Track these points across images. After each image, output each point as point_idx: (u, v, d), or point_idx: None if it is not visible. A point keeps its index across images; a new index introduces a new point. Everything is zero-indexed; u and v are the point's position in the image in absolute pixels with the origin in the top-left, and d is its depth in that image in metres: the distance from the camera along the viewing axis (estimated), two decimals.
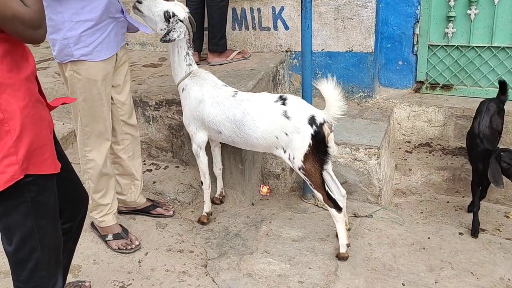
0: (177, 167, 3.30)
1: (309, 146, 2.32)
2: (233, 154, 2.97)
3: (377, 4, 3.30)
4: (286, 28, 3.61)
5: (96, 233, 2.71)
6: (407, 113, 3.43)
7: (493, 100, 2.89)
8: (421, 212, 2.97)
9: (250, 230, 2.81)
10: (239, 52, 3.66)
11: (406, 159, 3.23)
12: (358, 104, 3.54)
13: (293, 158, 2.39)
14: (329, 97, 2.29)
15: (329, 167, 2.49)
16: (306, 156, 2.35)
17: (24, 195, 1.52)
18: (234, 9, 3.71)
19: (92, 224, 2.73)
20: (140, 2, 2.46)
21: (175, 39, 2.44)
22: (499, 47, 3.22)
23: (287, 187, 3.21)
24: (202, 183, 2.81)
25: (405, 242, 2.65)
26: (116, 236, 2.63)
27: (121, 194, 2.78)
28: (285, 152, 2.41)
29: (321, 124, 2.32)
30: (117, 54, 2.43)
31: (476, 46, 3.28)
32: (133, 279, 2.43)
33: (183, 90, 2.62)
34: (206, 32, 3.64)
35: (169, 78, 3.36)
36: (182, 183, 3.14)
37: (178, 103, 3.06)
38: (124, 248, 2.61)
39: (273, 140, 2.41)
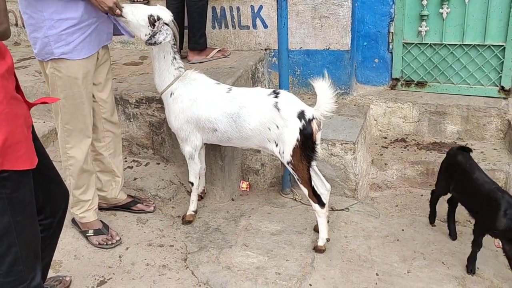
0: (158, 163, 3.34)
1: (297, 140, 2.39)
2: (213, 151, 3.02)
3: (353, 3, 3.38)
4: (265, 26, 3.67)
5: (77, 229, 2.74)
6: (383, 109, 3.52)
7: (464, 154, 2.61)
8: (396, 206, 3.06)
9: (229, 224, 2.86)
10: (219, 50, 3.71)
11: (382, 154, 3.32)
12: (336, 101, 3.60)
13: (283, 152, 2.45)
14: (322, 95, 2.37)
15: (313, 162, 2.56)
16: (294, 151, 2.41)
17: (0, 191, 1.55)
18: (214, 8, 3.76)
19: (73, 220, 2.76)
20: (123, 7, 2.42)
21: (161, 42, 2.43)
22: (470, 44, 3.32)
23: (266, 183, 3.27)
24: (192, 183, 2.82)
25: (380, 234, 2.73)
26: (97, 232, 2.66)
27: (101, 190, 2.81)
28: (276, 145, 2.47)
29: (310, 120, 2.38)
30: (98, 52, 2.45)
31: (448, 44, 3.38)
32: (114, 274, 2.47)
33: (171, 94, 2.60)
34: (186, 31, 3.69)
35: (149, 76, 3.40)
36: (163, 180, 3.18)
37: (158, 101, 3.10)
38: (105, 243, 2.64)
39: (266, 132, 2.47)
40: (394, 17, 3.46)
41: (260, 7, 3.62)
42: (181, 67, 2.60)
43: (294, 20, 3.49)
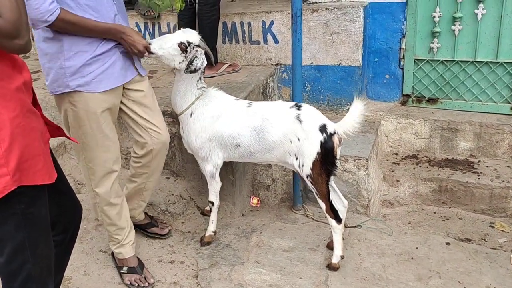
0: (168, 178, 3.31)
1: (318, 153, 2.37)
2: (224, 166, 2.97)
3: (364, 19, 3.39)
4: (276, 42, 3.67)
5: (114, 263, 2.60)
6: (394, 125, 3.50)
7: None
8: (409, 223, 3.02)
9: (241, 240, 2.83)
10: (230, 65, 3.71)
11: (393, 171, 3.29)
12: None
13: (302, 165, 2.43)
14: (352, 114, 2.35)
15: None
16: (314, 164, 2.40)
17: (14, 207, 1.51)
18: (225, 23, 3.77)
19: (112, 253, 2.60)
20: (150, 44, 2.32)
21: (200, 68, 2.41)
22: (483, 61, 3.31)
23: (277, 198, 3.24)
24: (213, 203, 2.74)
25: (393, 252, 2.69)
26: (131, 270, 2.49)
27: None
28: (296, 159, 2.45)
29: (331, 134, 2.37)
30: (132, 88, 2.30)
31: (460, 61, 3.37)
32: None
33: (191, 114, 2.54)
34: None
35: (159, 90, 3.39)
36: (173, 194, 3.15)
37: (169, 115, 3.08)
38: (137, 284, 2.45)
39: (288, 145, 2.45)
40: (405, 33, 3.46)
41: (272, 23, 3.63)
42: (204, 87, 2.56)
43: (306, 36, 3.49)
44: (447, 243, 2.75)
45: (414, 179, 3.19)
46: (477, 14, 3.22)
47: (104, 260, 2.65)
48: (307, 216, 3.05)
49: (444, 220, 3.02)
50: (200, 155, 2.61)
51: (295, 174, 2.99)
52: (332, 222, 2.49)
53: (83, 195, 3.19)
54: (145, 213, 2.84)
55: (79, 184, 3.31)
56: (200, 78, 2.52)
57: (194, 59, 2.38)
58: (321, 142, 2.36)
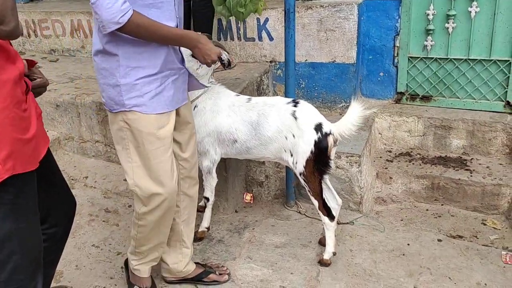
0: None
1: (311, 152, 2.36)
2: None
3: (359, 17, 3.39)
4: (271, 39, 3.68)
5: (126, 274, 2.42)
6: (388, 123, 3.51)
7: None
8: (401, 220, 3.03)
9: (233, 236, 2.83)
10: None
11: (387, 168, 3.30)
12: (340, 114, 3.60)
13: (296, 163, 2.43)
14: (350, 116, 2.35)
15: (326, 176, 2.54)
16: (307, 162, 2.39)
17: (2, 197, 1.52)
18: (219, 20, 3.77)
19: (126, 262, 2.41)
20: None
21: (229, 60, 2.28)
22: (476, 59, 3.33)
23: (270, 195, 3.25)
24: (208, 199, 2.74)
25: (385, 249, 2.70)
26: None
27: (164, 262, 2.36)
28: (291, 155, 2.45)
29: (327, 134, 2.36)
30: (179, 113, 2.11)
31: (454, 59, 3.39)
32: (116, 285, 2.43)
33: (195, 107, 2.53)
34: None
35: None
36: None
37: None
38: None
39: (283, 141, 2.45)
40: (399, 31, 3.47)
41: (266, 20, 3.63)
42: (213, 81, 2.58)
43: (300, 33, 3.50)
44: (439, 240, 2.76)
45: (407, 176, 3.20)
46: (470, 11, 3.23)
47: (96, 254, 2.66)
48: (299, 212, 3.05)
49: (436, 217, 3.03)
50: (199, 149, 2.59)
51: (288, 171, 3.00)
52: (325, 219, 2.50)
53: (76, 191, 3.20)
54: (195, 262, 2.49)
55: (72, 179, 3.32)
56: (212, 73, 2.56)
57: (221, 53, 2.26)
58: (315, 141, 2.35)
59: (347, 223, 2.93)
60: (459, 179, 3.06)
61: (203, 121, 2.54)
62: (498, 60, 3.27)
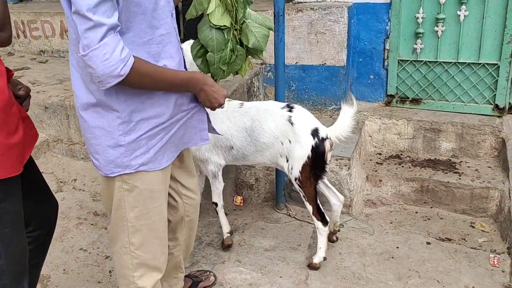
0: None
1: (308, 157, 2.35)
2: None
3: (349, 20, 3.40)
4: None
5: None
6: (378, 125, 3.52)
7: None
8: (391, 222, 3.04)
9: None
10: None
11: (376, 171, 3.31)
12: (331, 117, 3.61)
13: (291, 168, 2.42)
14: (344, 119, 2.37)
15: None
16: (303, 168, 2.37)
17: None
18: None
19: None
20: None
21: None
22: (465, 63, 3.35)
23: (260, 197, 3.24)
24: (216, 204, 2.67)
25: (374, 252, 2.70)
26: None
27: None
28: (287, 161, 2.43)
29: (323, 139, 2.35)
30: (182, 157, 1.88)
31: (443, 62, 3.40)
32: None
33: None
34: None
35: None
36: None
37: None
38: None
39: (279, 147, 2.43)
40: (389, 34, 3.48)
41: None
42: None
43: (290, 35, 3.50)
44: (428, 243, 2.77)
45: (397, 179, 3.21)
46: (459, 15, 3.25)
47: (84, 258, 2.64)
48: (289, 215, 3.05)
49: (425, 220, 3.04)
50: (198, 157, 2.53)
51: (279, 174, 3.00)
52: (319, 224, 2.48)
53: (65, 193, 3.18)
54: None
55: (61, 182, 3.29)
56: None
57: None
58: (312, 146, 2.34)
59: None
60: (448, 182, 3.07)
61: None
62: (486, 64, 3.29)
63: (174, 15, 1.67)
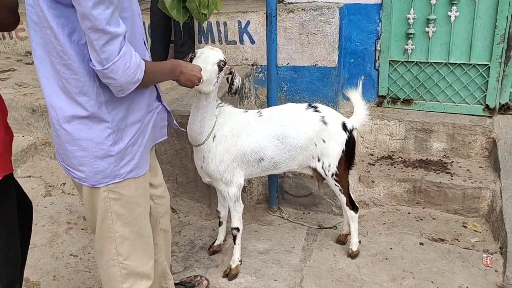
0: None
1: (343, 151, 2.44)
2: None
3: (340, 20, 3.39)
4: (252, 42, 3.65)
5: None
6: (370, 126, 3.52)
7: None
8: (384, 223, 3.04)
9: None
10: None
11: (369, 171, 3.30)
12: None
13: (328, 166, 2.45)
14: (358, 105, 2.50)
15: None
16: (340, 162, 2.46)
17: None
18: (199, 23, 3.73)
19: None
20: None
21: (239, 87, 2.22)
22: (456, 63, 3.36)
23: (253, 200, 3.22)
24: (238, 229, 2.50)
25: (368, 253, 2.70)
26: None
27: None
28: (319, 160, 2.46)
29: (352, 130, 2.47)
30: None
31: (434, 63, 3.41)
32: None
33: (214, 138, 2.28)
34: (172, 45, 3.65)
35: None
36: None
37: None
38: None
39: (312, 148, 2.44)
40: (380, 35, 3.48)
41: (248, 23, 3.60)
42: (220, 103, 2.35)
43: (282, 36, 3.48)
44: (421, 243, 2.77)
45: (389, 179, 3.21)
46: (450, 16, 3.26)
47: (75, 264, 2.59)
48: (282, 217, 3.03)
49: (418, 220, 3.04)
50: (224, 179, 2.37)
51: (271, 176, 2.98)
52: (351, 213, 2.59)
53: (54, 198, 3.13)
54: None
55: (50, 186, 3.23)
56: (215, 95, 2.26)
57: (234, 77, 2.16)
58: (346, 140, 2.43)
59: (330, 227, 2.92)
60: (440, 182, 3.08)
61: (225, 149, 2.31)
62: (477, 64, 3.30)
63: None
